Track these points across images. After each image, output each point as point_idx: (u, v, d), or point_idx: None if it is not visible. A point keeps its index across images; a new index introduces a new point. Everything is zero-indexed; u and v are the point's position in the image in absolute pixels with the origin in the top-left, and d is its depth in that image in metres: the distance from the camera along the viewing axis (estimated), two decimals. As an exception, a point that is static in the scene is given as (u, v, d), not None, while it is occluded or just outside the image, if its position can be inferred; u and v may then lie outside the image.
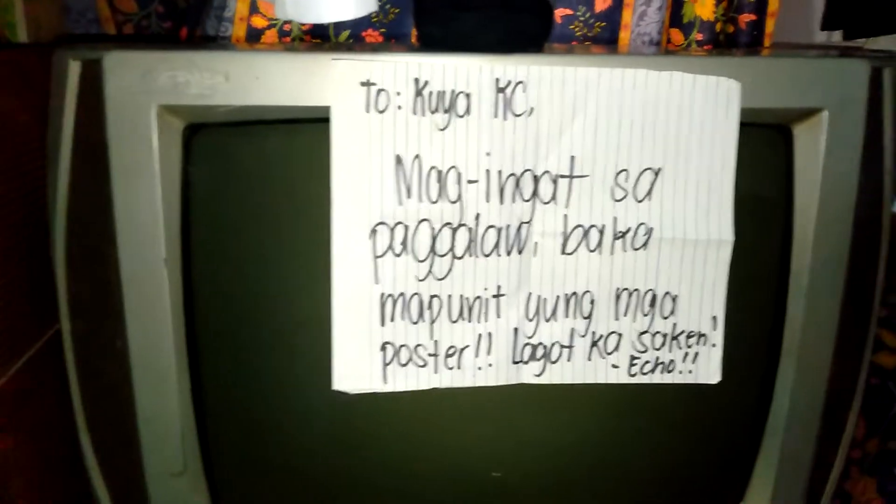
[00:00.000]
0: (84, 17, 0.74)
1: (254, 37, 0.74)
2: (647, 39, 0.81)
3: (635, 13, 0.81)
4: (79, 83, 0.44)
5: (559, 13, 0.79)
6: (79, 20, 0.74)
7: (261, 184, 0.47)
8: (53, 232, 0.46)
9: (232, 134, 0.46)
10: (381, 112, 0.43)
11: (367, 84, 0.43)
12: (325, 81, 0.43)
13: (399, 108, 0.43)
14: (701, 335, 0.49)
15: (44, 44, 0.71)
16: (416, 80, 0.43)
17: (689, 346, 0.49)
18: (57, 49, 0.45)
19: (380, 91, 0.43)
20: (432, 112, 0.44)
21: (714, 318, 0.49)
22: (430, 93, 0.43)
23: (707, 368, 0.50)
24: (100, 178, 0.45)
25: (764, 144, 0.49)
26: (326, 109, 0.43)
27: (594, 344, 0.49)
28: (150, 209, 0.45)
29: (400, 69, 0.43)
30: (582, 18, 0.80)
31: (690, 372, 0.50)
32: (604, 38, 0.81)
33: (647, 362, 0.49)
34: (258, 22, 0.73)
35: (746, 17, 0.83)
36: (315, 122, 0.44)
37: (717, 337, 0.49)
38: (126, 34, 0.73)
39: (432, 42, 0.47)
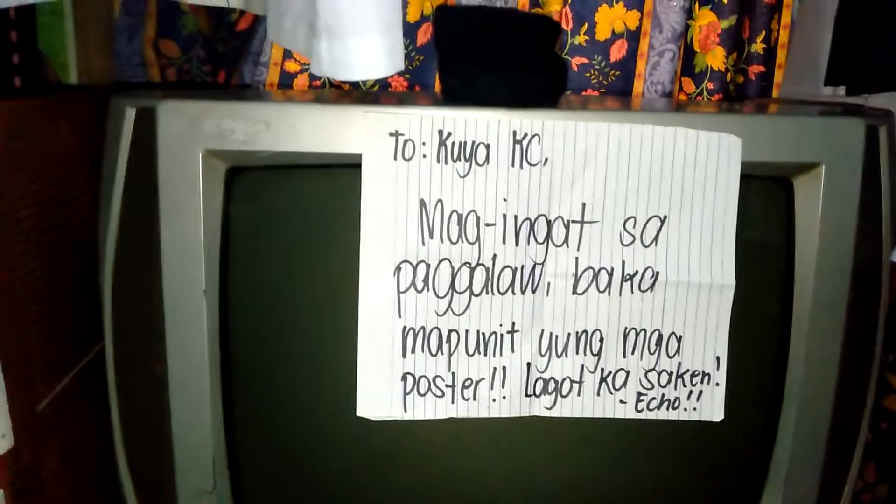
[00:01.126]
0: (131, 61, 0.79)
1: (287, 80, 0.79)
2: (660, 88, 0.85)
3: (649, 63, 0.85)
4: (133, 128, 0.48)
5: (576, 62, 0.83)
6: (126, 64, 0.79)
7: (295, 223, 0.51)
8: (102, 262, 0.50)
9: (270, 177, 0.50)
10: (408, 160, 0.47)
11: (395, 134, 0.47)
12: (357, 131, 0.47)
13: (424, 156, 0.47)
14: (705, 374, 0.52)
15: (94, 86, 0.76)
16: (441, 132, 0.47)
17: (694, 385, 0.52)
18: (114, 95, 0.50)
19: (407, 141, 0.47)
20: (454, 161, 0.47)
21: (717, 358, 0.51)
22: (453, 143, 0.47)
23: (711, 407, 0.52)
24: (148, 215, 0.48)
25: (765, 195, 0.52)
26: (357, 156, 0.47)
27: (603, 380, 0.51)
28: (193, 244, 0.48)
29: (426, 121, 0.47)
30: (597, 67, 0.83)
31: (695, 409, 0.52)
32: (618, 87, 0.85)
33: (653, 399, 0.52)
34: (291, 67, 0.78)
35: (756, 69, 0.86)
36: (345, 168, 0.48)
37: (721, 376, 0.52)
38: (172, 81, 0.78)
39: (454, 96, 0.51)
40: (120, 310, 0.50)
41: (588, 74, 0.83)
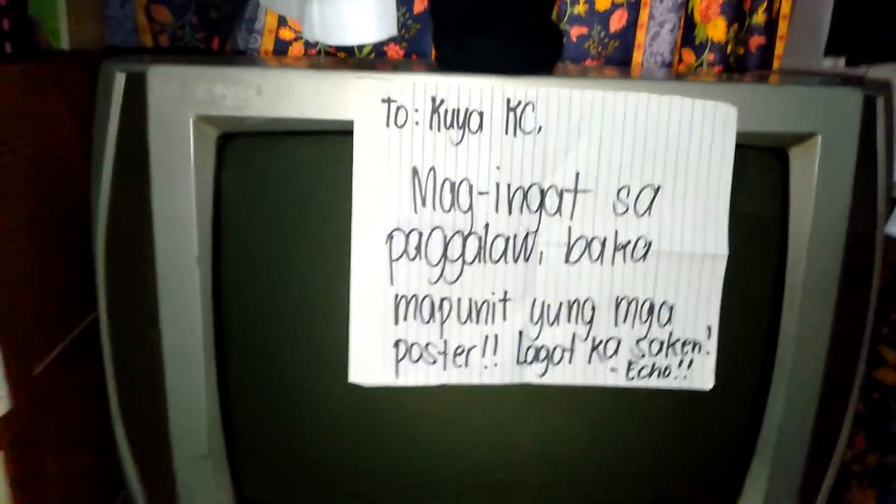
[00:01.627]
0: (123, 26, 0.78)
1: (281, 48, 0.78)
2: (659, 59, 0.84)
3: (649, 33, 0.84)
4: (123, 93, 0.48)
5: (574, 32, 0.82)
6: (118, 29, 0.78)
7: (287, 190, 0.51)
8: (95, 230, 0.50)
9: (262, 143, 0.49)
10: (400, 127, 0.47)
11: (387, 101, 0.46)
12: (349, 97, 0.46)
13: (416, 123, 0.47)
14: (696, 343, 0.52)
15: (85, 52, 0.75)
16: (433, 99, 0.46)
17: (685, 354, 0.52)
18: (104, 61, 0.49)
19: (399, 108, 0.46)
20: (447, 128, 0.47)
21: (709, 327, 0.52)
22: (446, 110, 0.47)
23: (701, 375, 0.53)
24: (139, 182, 0.48)
25: (760, 166, 0.51)
26: (349, 123, 0.47)
27: (594, 348, 0.52)
28: (185, 211, 0.48)
29: (418, 88, 0.46)
30: (597, 37, 0.82)
31: (685, 378, 0.53)
32: (617, 58, 0.84)
33: (644, 367, 0.52)
34: (286, 34, 0.77)
35: (757, 41, 0.85)
36: (338, 135, 0.47)
37: (711, 345, 0.52)
38: (163, 46, 0.77)
39: (449, 63, 0.50)
40: (113, 276, 0.51)
41: (587, 45, 0.82)
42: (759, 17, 0.84)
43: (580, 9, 0.81)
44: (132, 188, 0.49)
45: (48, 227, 0.55)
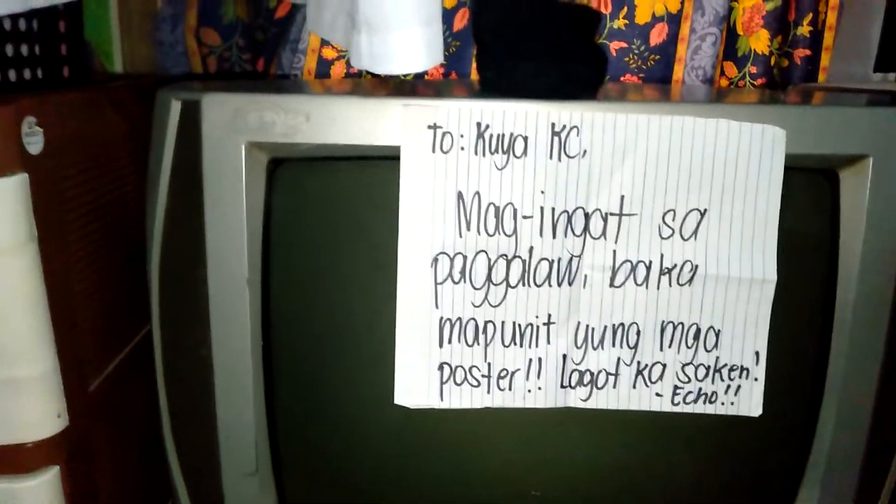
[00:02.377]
0: (174, 49, 0.81)
1: (324, 67, 0.79)
2: (701, 73, 0.83)
3: (690, 47, 0.83)
4: (179, 120, 0.49)
5: (614, 46, 0.82)
6: (169, 52, 0.81)
7: (335, 213, 0.52)
8: (149, 250, 0.52)
9: (311, 168, 0.51)
10: (446, 152, 0.47)
11: (433, 127, 0.47)
12: (396, 124, 0.47)
13: (462, 149, 0.47)
14: (743, 369, 0.51)
15: (138, 75, 0.78)
16: (479, 124, 0.47)
17: (732, 380, 0.51)
18: (160, 89, 0.51)
19: (445, 133, 0.47)
20: (492, 153, 0.47)
21: (756, 353, 0.51)
22: (491, 135, 0.47)
23: (749, 402, 0.52)
24: (193, 205, 0.50)
25: (810, 188, 0.51)
26: (396, 148, 0.48)
27: (639, 373, 0.51)
28: (236, 234, 0.49)
29: (464, 114, 0.47)
30: (637, 52, 0.82)
31: (732, 404, 0.52)
32: (658, 72, 0.83)
33: (689, 392, 0.52)
34: (328, 53, 0.79)
35: (801, 53, 0.84)
36: (385, 160, 0.48)
37: (760, 372, 0.51)
38: (213, 72, 0.80)
39: (492, 87, 0.50)
40: (166, 296, 0.52)
41: (627, 59, 0.82)
42: (804, 29, 0.83)
43: (620, 23, 0.81)
44: (186, 211, 0.50)
45: (104, 245, 0.57)
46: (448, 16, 0.78)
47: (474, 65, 0.80)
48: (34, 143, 0.47)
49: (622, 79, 0.83)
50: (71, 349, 0.52)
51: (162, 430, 0.55)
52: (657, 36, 0.82)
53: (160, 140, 0.50)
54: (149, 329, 0.53)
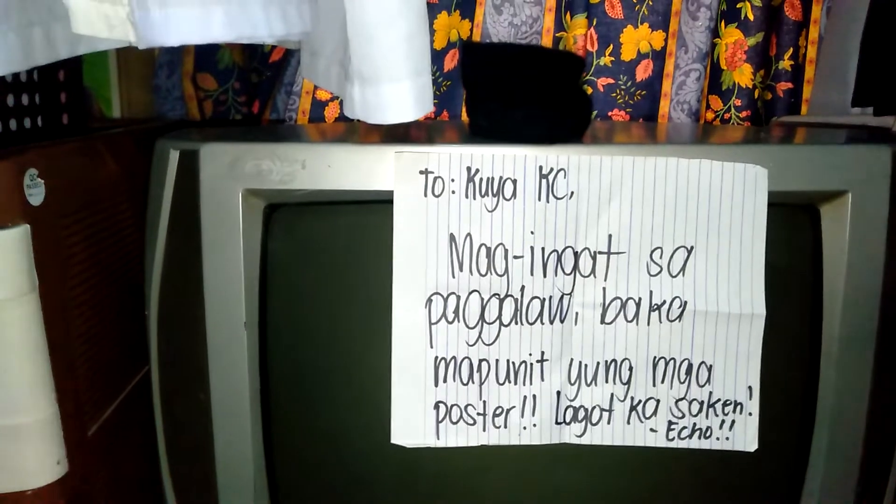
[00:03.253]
0: (171, 94, 0.82)
1: (318, 108, 0.81)
2: (686, 108, 0.86)
3: (675, 83, 0.85)
4: (177, 169, 0.51)
5: (601, 82, 0.84)
6: (166, 97, 0.82)
7: (330, 257, 0.53)
8: (148, 295, 0.53)
9: (306, 213, 0.52)
10: (438, 196, 0.49)
11: (425, 172, 0.48)
12: (389, 169, 0.49)
13: (453, 192, 0.49)
14: (737, 404, 0.52)
15: (135, 119, 0.79)
16: (469, 169, 0.48)
17: (726, 414, 0.52)
18: (158, 139, 0.52)
19: (436, 178, 0.48)
20: (482, 196, 0.49)
21: (749, 388, 0.52)
22: (481, 179, 0.48)
23: (744, 437, 0.52)
24: (191, 250, 0.51)
25: (792, 223, 0.52)
26: (389, 193, 0.49)
27: (633, 408, 0.52)
28: (234, 278, 0.50)
29: (454, 159, 0.48)
30: (623, 87, 0.84)
31: (728, 439, 0.52)
32: (644, 106, 0.85)
33: (684, 428, 0.52)
34: (322, 95, 0.81)
35: (784, 86, 0.86)
36: (379, 203, 0.49)
37: (754, 406, 0.52)
38: (210, 118, 0.81)
39: (483, 133, 0.52)
40: (165, 340, 0.53)
41: (614, 94, 0.84)
42: (786, 63, 0.86)
43: (606, 60, 0.83)
44: (184, 257, 0.51)
45: (102, 290, 0.58)
46: (438, 56, 0.81)
47: (465, 111, 0.82)
48: (36, 194, 0.48)
49: (610, 114, 0.85)
50: (70, 395, 0.52)
51: (161, 471, 0.55)
52: (643, 72, 0.84)
53: (159, 188, 0.51)
54: (146, 371, 0.54)
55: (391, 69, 0.44)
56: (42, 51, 0.45)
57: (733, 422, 0.52)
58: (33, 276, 0.47)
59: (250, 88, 0.83)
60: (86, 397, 0.55)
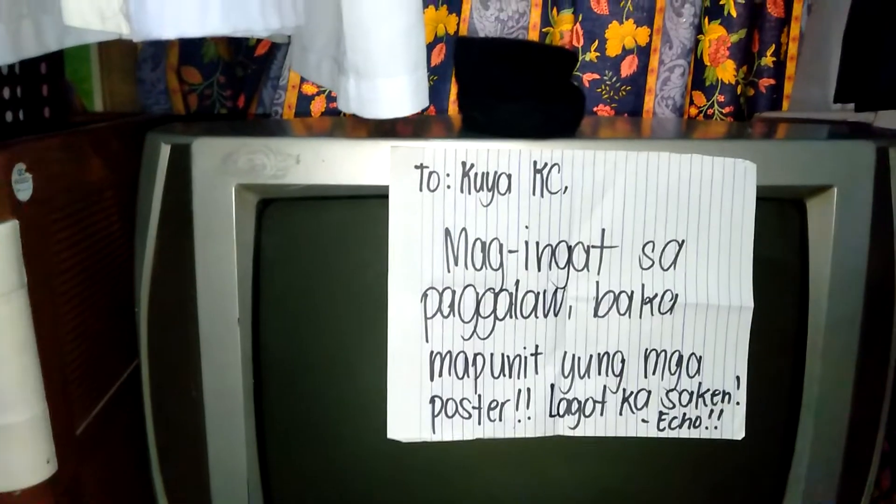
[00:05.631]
0: (155, 88, 0.81)
1: (304, 102, 0.81)
2: (670, 103, 0.87)
3: (659, 78, 0.86)
4: (168, 164, 0.50)
5: (587, 78, 0.84)
6: (150, 91, 0.81)
7: (324, 252, 0.53)
8: (138, 291, 0.52)
9: (300, 208, 0.52)
10: (433, 191, 0.49)
11: (420, 167, 0.48)
12: (384, 164, 0.49)
13: (448, 187, 0.49)
14: (725, 394, 0.53)
15: (118, 114, 0.78)
16: (464, 164, 0.48)
17: (715, 404, 0.53)
18: (148, 132, 0.52)
19: (431, 173, 0.48)
20: (477, 190, 0.49)
21: (737, 377, 0.53)
22: (476, 174, 0.49)
23: (732, 425, 0.54)
24: (183, 246, 0.50)
25: (779, 217, 0.53)
26: (384, 188, 0.49)
27: (625, 400, 0.53)
28: (227, 274, 0.50)
29: (449, 154, 0.48)
30: (609, 83, 0.85)
31: (716, 428, 0.54)
32: (629, 102, 0.86)
33: (674, 418, 0.53)
34: (308, 89, 0.80)
35: (766, 82, 0.88)
36: (373, 198, 0.49)
37: (741, 395, 0.53)
38: (195, 109, 0.80)
39: (476, 126, 0.52)
40: (155, 337, 0.52)
41: (599, 90, 0.85)
42: (768, 60, 0.87)
43: (592, 56, 0.84)
44: (175, 252, 0.51)
45: (91, 286, 0.57)
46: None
47: (451, 99, 0.82)
48: (23, 189, 0.47)
49: (595, 109, 0.85)
50: (59, 393, 0.51)
51: (151, 470, 0.55)
52: (628, 67, 0.85)
53: (149, 183, 0.51)
54: (135, 366, 0.53)
55: (388, 64, 0.43)
56: (31, 43, 0.44)
57: (721, 411, 0.53)
58: (22, 273, 0.47)
59: (236, 82, 0.82)
60: (75, 395, 0.55)
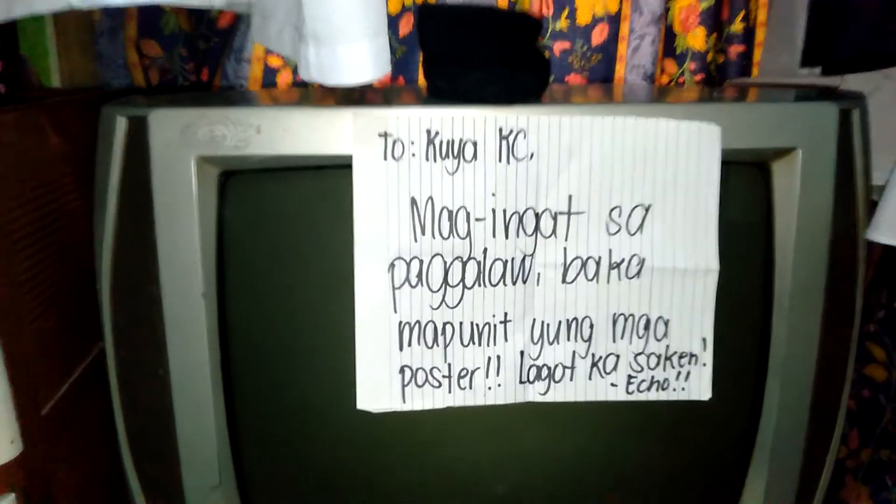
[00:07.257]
0: (114, 62, 0.79)
1: (270, 76, 0.79)
2: (641, 71, 0.86)
3: (630, 46, 0.86)
4: (125, 137, 0.49)
5: (558, 46, 0.84)
6: (109, 65, 0.79)
7: (289, 224, 0.52)
8: (99, 268, 0.51)
9: (263, 179, 0.51)
10: (398, 159, 0.48)
11: (384, 135, 0.47)
12: (347, 133, 0.48)
13: (413, 155, 0.48)
14: (692, 355, 0.54)
15: (77, 89, 0.76)
16: (429, 131, 0.48)
17: (682, 366, 0.54)
18: (104, 105, 0.50)
19: (396, 141, 0.48)
20: (443, 158, 0.48)
21: (703, 339, 0.53)
22: (441, 141, 0.48)
23: (699, 386, 0.54)
24: (143, 221, 0.49)
25: (745, 180, 0.53)
26: (348, 157, 0.48)
27: (594, 364, 0.53)
28: (189, 248, 0.49)
29: (413, 121, 0.48)
30: (580, 51, 0.84)
31: (683, 389, 0.54)
32: (601, 70, 0.86)
33: (643, 381, 0.54)
34: (274, 62, 0.79)
35: (736, 49, 0.88)
36: (337, 168, 0.49)
37: (707, 357, 0.54)
38: (157, 84, 0.78)
39: (441, 94, 0.51)
40: (119, 315, 0.52)
41: (570, 59, 0.84)
42: (737, 26, 0.87)
43: (562, 24, 0.83)
44: (136, 228, 0.50)
45: (51, 264, 0.56)
46: (393, 22, 0.79)
47: (421, 70, 0.80)
48: (-26, 164, 0.46)
49: (566, 78, 0.85)
50: (21, 373, 0.50)
51: (120, 449, 0.54)
52: (598, 36, 0.84)
53: (106, 157, 0.49)
54: (102, 347, 0.53)
55: (347, 29, 0.42)
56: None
57: (689, 373, 0.54)
58: (-24, 251, 0.45)
59: (198, 55, 0.80)
60: (38, 374, 0.54)
